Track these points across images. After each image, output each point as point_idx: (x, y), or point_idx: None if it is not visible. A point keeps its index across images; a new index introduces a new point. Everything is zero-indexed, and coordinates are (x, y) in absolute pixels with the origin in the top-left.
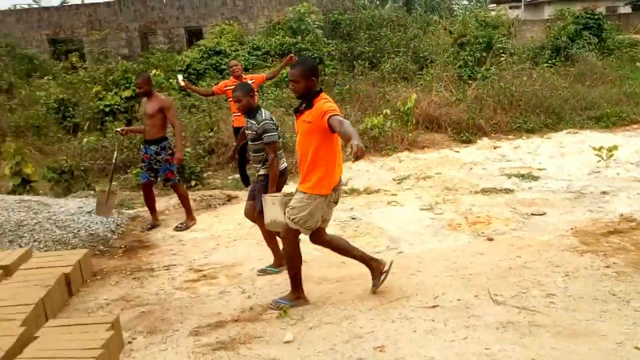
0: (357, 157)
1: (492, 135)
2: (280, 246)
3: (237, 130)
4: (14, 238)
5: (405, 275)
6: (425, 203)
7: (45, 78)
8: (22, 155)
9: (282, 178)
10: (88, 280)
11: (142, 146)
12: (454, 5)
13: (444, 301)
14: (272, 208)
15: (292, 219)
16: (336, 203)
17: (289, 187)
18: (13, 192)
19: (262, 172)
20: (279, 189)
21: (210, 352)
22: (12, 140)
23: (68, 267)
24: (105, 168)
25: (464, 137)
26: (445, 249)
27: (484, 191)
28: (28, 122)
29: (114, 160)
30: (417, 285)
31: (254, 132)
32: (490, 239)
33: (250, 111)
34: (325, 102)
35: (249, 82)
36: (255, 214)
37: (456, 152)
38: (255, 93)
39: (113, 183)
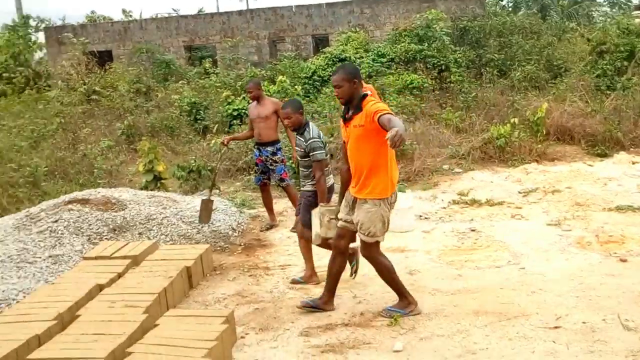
0: (393, 144)
1: (631, 149)
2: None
3: None
4: (143, 231)
5: (526, 292)
6: (553, 218)
7: (180, 82)
8: (155, 153)
9: (329, 195)
10: (208, 275)
11: (255, 150)
12: (593, 12)
13: (568, 323)
14: (314, 221)
15: (368, 234)
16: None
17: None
18: (145, 187)
19: (308, 187)
20: None
21: (319, 354)
22: (147, 140)
23: (190, 261)
24: (230, 169)
25: (599, 151)
26: (572, 268)
27: (619, 209)
28: (162, 123)
29: (215, 170)
30: (538, 304)
31: (302, 149)
32: (624, 260)
33: (299, 127)
34: (373, 104)
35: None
36: (298, 230)
37: (589, 165)
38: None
39: (213, 190)
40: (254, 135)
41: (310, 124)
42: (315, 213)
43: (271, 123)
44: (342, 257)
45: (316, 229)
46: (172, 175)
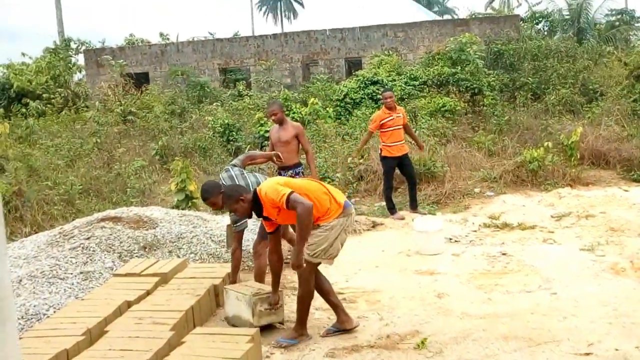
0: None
1: None
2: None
3: (387, 159)
4: (173, 249)
5: (557, 318)
6: (586, 243)
7: (214, 104)
8: (187, 173)
9: None
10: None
11: (277, 173)
12: (631, 36)
13: (599, 349)
14: (242, 307)
15: (313, 255)
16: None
17: None
18: (176, 207)
19: None
20: None
21: None
22: (180, 160)
23: (218, 279)
24: None
25: (635, 176)
26: (606, 294)
27: None
28: (196, 144)
29: None
30: (569, 329)
31: None
32: None
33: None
34: (266, 195)
35: (399, 115)
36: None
37: (625, 190)
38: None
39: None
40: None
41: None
42: (247, 300)
43: (292, 147)
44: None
45: (245, 315)
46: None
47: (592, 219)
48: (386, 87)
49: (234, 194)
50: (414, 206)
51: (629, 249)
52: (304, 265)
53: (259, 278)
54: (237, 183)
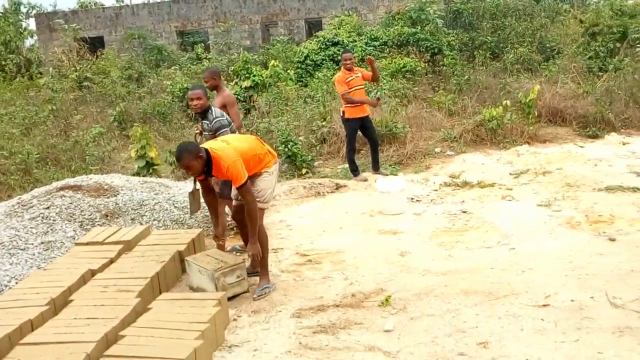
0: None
1: (622, 130)
2: None
3: (350, 120)
4: (135, 216)
5: (515, 272)
6: (543, 199)
7: (172, 68)
8: (147, 139)
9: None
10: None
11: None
12: None
13: (556, 301)
14: (199, 277)
15: (263, 200)
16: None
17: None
18: (137, 174)
19: None
20: None
21: (311, 335)
22: (139, 126)
23: (182, 245)
24: None
25: (590, 132)
26: (562, 248)
27: (609, 189)
28: (155, 110)
29: None
30: (527, 283)
31: (209, 131)
32: (613, 240)
33: (204, 111)
34: (225, 163)
35: (358, 75)
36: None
37: (580, 147)
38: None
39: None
40: None
41: (211, 106)
42: (209, 275)
43: None
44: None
45: (208, 288)
46: (164, 161)
47: (548, 175)
48: (346, 48)
49: (194, 150)
50: (376, 168)
51: (584, 204)
52: (261, 252)
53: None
54: None
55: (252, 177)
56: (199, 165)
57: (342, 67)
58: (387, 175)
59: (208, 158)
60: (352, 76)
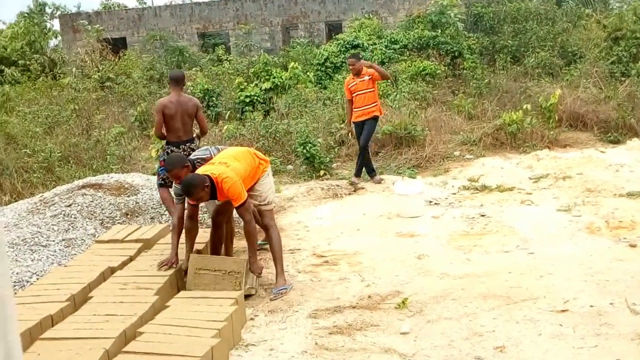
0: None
1: None
2: None
3: (354, 124)
4: (155, 215)
5: (534, 277)
6: (563, 204)
7: (194, 69)
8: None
9: None
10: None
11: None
12: None
13: (575, 306)
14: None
15: (266, 202)
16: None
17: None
18: (157, 173)
19: None
20: None
21: (327, 335)
22: None
23: (201, 245)
24: None
25: (612, 137)
26: (581, 253)
27: (630, 195)
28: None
29: None
30: (546, 287)
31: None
32: (633, 246)
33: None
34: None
35: (367, 77)
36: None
37: (602, 152)
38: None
39: None
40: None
41: None
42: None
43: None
44: (221, 229)
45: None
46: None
47: (569, 180)
48: (353, 53)
49: (200, 183)
50: (356, 174)
51: (604, 209)
52: (263, 268)
53: (216, 249)
54: None
55: (251, 186)
56: (207, 194)
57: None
58: (379, 182)
59: (211, 183)
60: (355, 81)
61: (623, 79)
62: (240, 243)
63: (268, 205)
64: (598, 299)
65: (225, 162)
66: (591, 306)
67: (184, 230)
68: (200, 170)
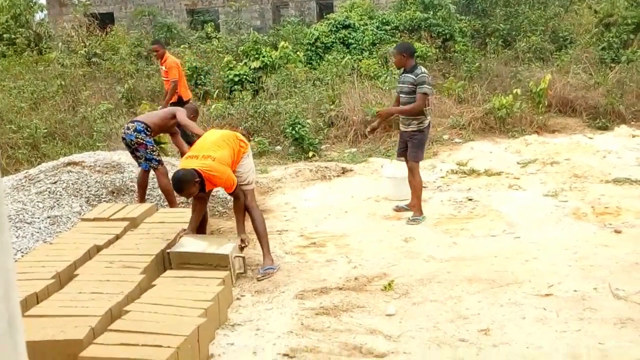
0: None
1: (632, 123)
2: None
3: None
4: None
5: (520, 261)
6: (550, 189)
7: (182, 46)
8: None
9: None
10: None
11: None
12: None
13: (559, 291)
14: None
15: (246, 182)
16: None
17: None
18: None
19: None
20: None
21: (313, 316)
22: (147, 104)
23: (188, 224)
24: None
25: (600, 123)
26: (567, 238)
27: (616, 181)
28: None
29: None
30: (531, 272)
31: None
32: (618, 232)
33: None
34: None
35: (163, 68)
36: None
37: (590, 138)
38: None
39: None
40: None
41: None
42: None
43: None
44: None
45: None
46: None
47: (556, 165)
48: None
49: (190, 179)
50: None
51: (590, 195)
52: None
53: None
54: None
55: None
56: (197, 188)
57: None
58: None
59: (200, 177)
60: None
61: (613, 65)
62: (227, 224)
63: (249, 185)
64: (582, 283)
65: (209, 155)
66: (575, 291)
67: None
68: (185, 165)
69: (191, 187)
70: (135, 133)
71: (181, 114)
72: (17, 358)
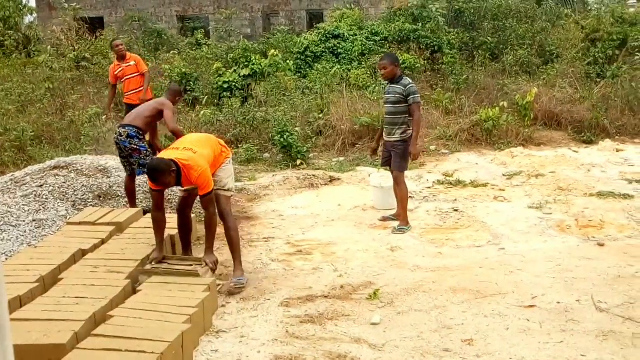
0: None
1: (617, 137)
2: None
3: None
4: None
5: (504, 272)
6: (535, 201)
7: (171, 52)
8: None
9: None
10: (192, 244)
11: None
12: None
13: (543, 302)
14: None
15: (225, 188)
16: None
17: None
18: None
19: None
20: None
21: (298, 324)
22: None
23: (174, 230)
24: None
25: (585, 137)
26: (551, 250)
27: (600, 195)
28: (152, 93)
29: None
30: (515, 283)
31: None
32: (601, 245)
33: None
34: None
35: (132, 63)
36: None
37: (575, 152)
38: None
39: None
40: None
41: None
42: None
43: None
44: (188, 219)
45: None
46: (161, 145)
47: (541, 178)
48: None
49: (166, 168)
50: None
51: (575, 208)
52: (217, 262)
53: (186, 241)
54: None
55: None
56: (173, 179)
57: None
58: None
59: (177, 168)
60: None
61: (598, 80)
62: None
63: (227, 192)
64: (565, 295)
65: (191, 148)
66: (558, 303)
67: (152, 222)
68: (164, 155)
69: (166, 177)
70: (129, 139)
71: (169, 113)
72: None
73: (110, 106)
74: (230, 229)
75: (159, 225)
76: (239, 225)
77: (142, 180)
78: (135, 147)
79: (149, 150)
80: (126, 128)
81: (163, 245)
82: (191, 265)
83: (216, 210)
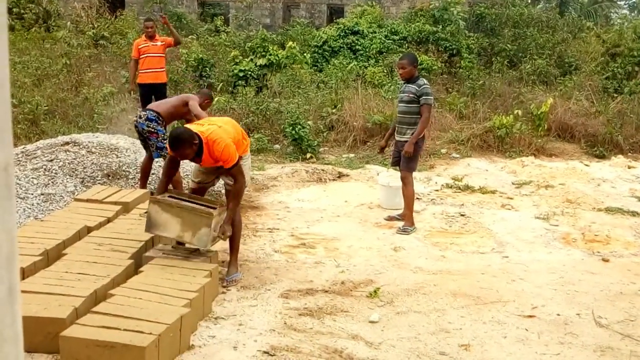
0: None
1: (630, 154)
2: None
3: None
4: (137, 179)
5: (506, 280)
6: (542, 212)
7: (190, 37)
8: None
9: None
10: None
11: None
12: (612, 13)
13: (542, 313)
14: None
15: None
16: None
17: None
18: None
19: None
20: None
21: (296, 316)
22: None
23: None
24: None
25: (598, 152)
26: (555, 262)
27: (608, 210)
28: (167, 76)
29: None
30: (516, 292)
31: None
32: (606, 260)
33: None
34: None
35: (159, 43)
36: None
37: (586, 165)
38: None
39: None
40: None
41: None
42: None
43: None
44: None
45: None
46: (172, 128)
47: (551, 189)
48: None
49: (189, 138)
50: None
51: (582, 221)
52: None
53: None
54: None
55: None
56: (193, 152)
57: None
58: None
59: (200, 142)
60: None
61: (615, 95)
62: None
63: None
64: (565, 308)
65: (216, 123)
66: (558, 314)
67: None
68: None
69: (187, 147)
70: (147, 122)
71: (194, 102)
72: (15, 329)
73: (134, 80)
74: (234, 223)
75: (169, 176)
76: (245, 214)
77: (155, 169)
78: (152, 129)
79: (166, 134)
80: (147, 112)
81: (167, 186)
82: (203, 205)
83: (245, 181)
